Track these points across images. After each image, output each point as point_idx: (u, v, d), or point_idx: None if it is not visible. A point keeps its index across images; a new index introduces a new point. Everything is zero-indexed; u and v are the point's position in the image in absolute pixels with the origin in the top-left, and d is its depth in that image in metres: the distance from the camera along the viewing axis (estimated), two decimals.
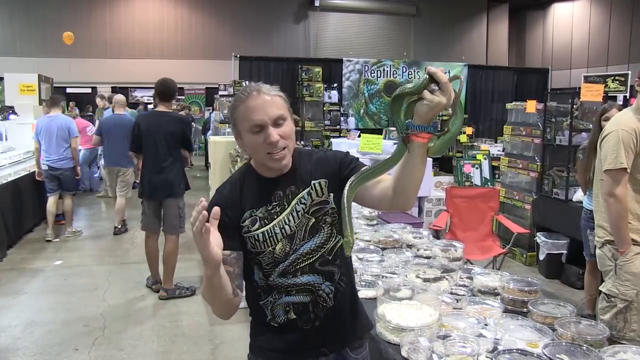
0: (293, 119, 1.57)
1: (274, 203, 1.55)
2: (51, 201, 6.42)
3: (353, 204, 1.47)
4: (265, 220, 1.54)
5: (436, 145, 1.37)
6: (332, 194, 1.59)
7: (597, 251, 2.95)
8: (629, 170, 2.66)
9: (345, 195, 1.41)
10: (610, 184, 2.69)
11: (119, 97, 7.03)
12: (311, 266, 1.55)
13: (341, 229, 1.63)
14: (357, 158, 1.66)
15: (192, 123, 11.69)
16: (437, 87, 1.28)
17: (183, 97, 15.03)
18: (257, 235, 1.53)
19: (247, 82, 8.65)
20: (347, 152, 1.67)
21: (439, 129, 1.35)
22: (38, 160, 6.42)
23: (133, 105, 11.63)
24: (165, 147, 4.50)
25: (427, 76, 1.29)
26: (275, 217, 1.54)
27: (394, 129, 7.69)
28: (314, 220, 1.56)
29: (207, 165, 10.70)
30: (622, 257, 2.70)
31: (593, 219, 3.92)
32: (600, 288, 2.86)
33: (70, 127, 6.43)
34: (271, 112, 1.47)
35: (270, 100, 1.48)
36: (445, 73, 1.30)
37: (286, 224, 1.54)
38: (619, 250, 2.73)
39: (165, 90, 4.59)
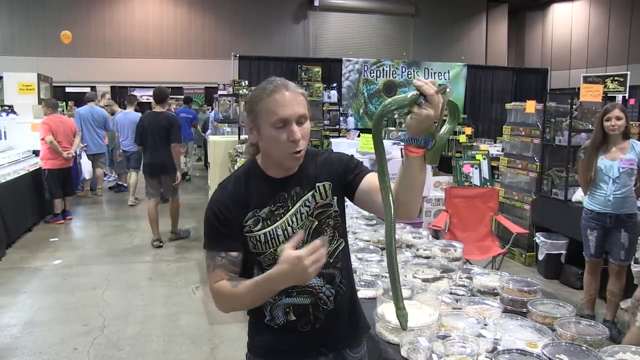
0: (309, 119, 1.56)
1: (278, 204, 1.53)
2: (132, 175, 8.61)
3: (354, 207, 1.45)
4: (268, 221, 1.52)
5: (428, 156, 1.36)
6: (335, 197, 1.58)
7: None
8: None
9: (392, 256, 1.32)
10: None
11: None
12: None
13: (344, 233, 1.63)
14: (362, 162, 1.64)
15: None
16: (424, 100, 1.26)
17: (182, 97, 15.02)
18: (259, 236, 1.52)
19: (245, 82, 8.65)
20: (352, 156, 1.65)
21: (432, 140, 1.33)
22: (118, 144, 8.64)
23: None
24: (159, 138, 5.93)
25: (416, 91, 1.27)
26: (279, 218, 1.53)
27: (393, 128, 7.70)
28: (317, 223, 1.55)
29: (206, 164, 10.70)
30: None
31: (593, 219, 3.94)
32: None
33: (137, 121, 7.92)
34: (298, 109, 1.45)
35: (296, 97, 1.47)
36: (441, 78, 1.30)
37: (289, 225, 1.53)
38: None
39: (160, 94, 6.15)
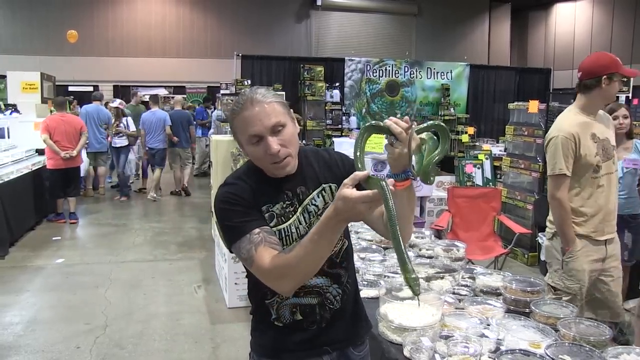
0: (294, 120, 1.52)
1: (287, 202, 1.52)
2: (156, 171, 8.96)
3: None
4: (282, 218, 1.50)
5: (421, 178, 1.41)
6: None
7: (546, 242, 3.03)
8: (569, 175, 2.74)
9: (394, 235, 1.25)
10: (553, 188, 2.79)
11: (179, 98, 10.49)
12: (320, 269, 1.51)
13: (347, 233, 1.62)
14: None
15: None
16: (395, 139, 1.32)
17: (184, 96, 15.04)
18: (274, 232, 1.49)
19: (248, 82, 8.66)
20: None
21: (412, 172, 1.39)
22: (144, 143, 8.78)
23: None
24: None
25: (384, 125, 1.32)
26: (291, 216, 1.51)
27: None
28: None
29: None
30: (567, 253, 2.80)
31: None
32: (545, 279, 2.93)
33: (166, 119, 8.66)
34: (267, 122, 1.42)
35: (266, 108, 1.42)
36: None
37: (300, 224, 1.52)
38: (564, 247, 2.82)
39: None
